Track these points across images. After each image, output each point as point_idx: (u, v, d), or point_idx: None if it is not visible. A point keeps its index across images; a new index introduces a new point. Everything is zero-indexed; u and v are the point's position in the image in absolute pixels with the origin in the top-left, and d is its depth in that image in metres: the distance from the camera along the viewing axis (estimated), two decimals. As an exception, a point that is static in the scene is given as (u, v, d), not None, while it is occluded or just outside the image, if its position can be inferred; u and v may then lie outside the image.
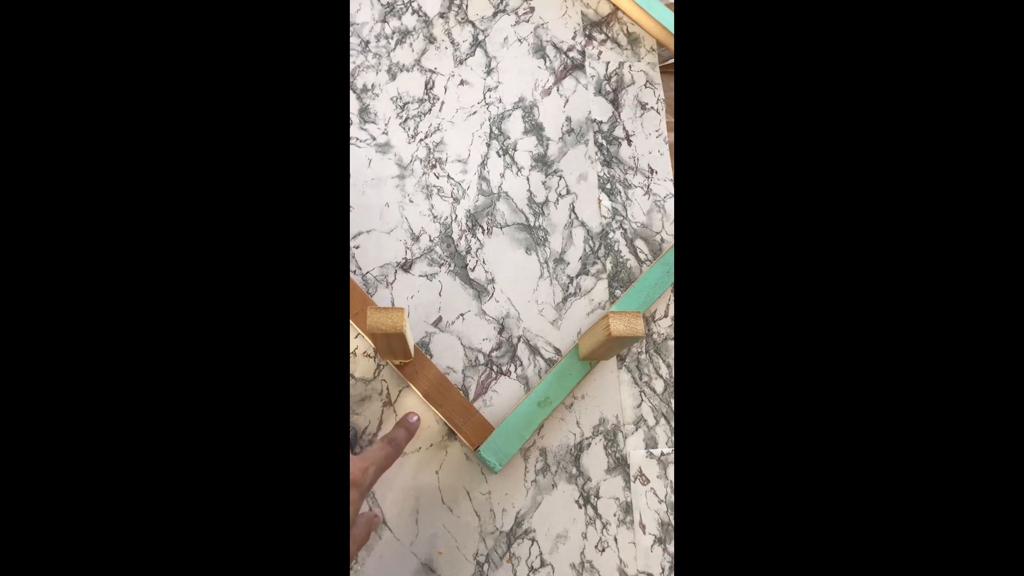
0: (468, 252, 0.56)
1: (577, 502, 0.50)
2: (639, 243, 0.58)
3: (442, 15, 0.65)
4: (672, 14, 0.65)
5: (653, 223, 0.59)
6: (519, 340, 0.54)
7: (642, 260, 0.58)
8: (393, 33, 0.63)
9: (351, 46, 0.62)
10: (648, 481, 0.51)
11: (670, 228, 0.59)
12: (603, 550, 0.49)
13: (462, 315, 0.54)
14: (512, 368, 0.53)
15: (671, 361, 0.55)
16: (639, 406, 0.53)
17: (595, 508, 0.50)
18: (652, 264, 0.57)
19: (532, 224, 0.58)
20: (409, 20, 0.64)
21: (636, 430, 0.52)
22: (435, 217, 0.57)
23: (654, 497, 0.51)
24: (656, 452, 0.52)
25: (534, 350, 0.54)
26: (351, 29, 0.63)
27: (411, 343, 0.47)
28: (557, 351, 0.54)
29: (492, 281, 0.55)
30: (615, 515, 0.50)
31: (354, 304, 0.51)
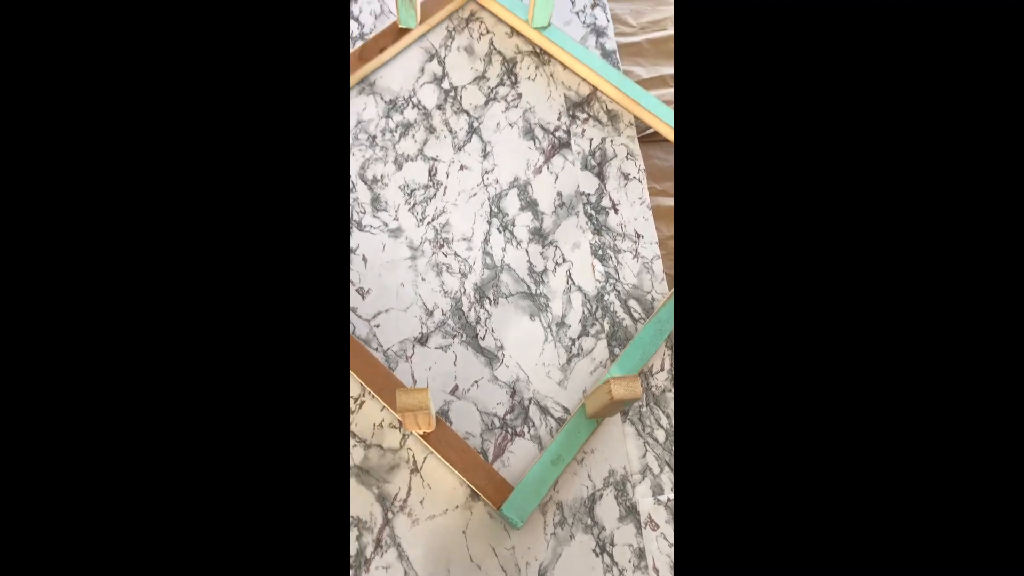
0: (478, 322, 0.62)
1: (594, 551, 0.54)
2: (632, 303, 0.64)
3: (439, 107, 0.72)
4: (645, 93, 0.72)
5: (643, 284, 0.65)
6: (530, 402, 0.59)
7: (636, 319, 0.63)
8: (397, 127, 0.70)
9: (360, 142, 0.69)
10: (657, 526, 0.55)
11: (660, 288, 0.65)
12: (621, 595, 0.53)
13: (476, 382, 0.59)
14: (525, 429, 0.58)
15: (670, 412, 0.60)
16: (644, 456, 0.58)
17: (611, 556, 0.54)
18: (646, 322, 0.62)
19: (534, 292, 0.64)
20: (410, 114, 0.71)
21: (643, 479, 0.57)
22: (446, 292, 0.63)
23: (664, 541, 0.55)
24: (663, 498, 0.56)
25: (544, 410, 0.59)
26: (359, 126, 0.70)
27: (433, 414, 0.51)
28: (565, 410, 0.59)
29: (501, 348, 0.61)
30: (630, 561, 0.54)
31: (377, 380, 0.56)
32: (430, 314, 0.62)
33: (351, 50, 0.73)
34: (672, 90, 0.77)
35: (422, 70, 0.74)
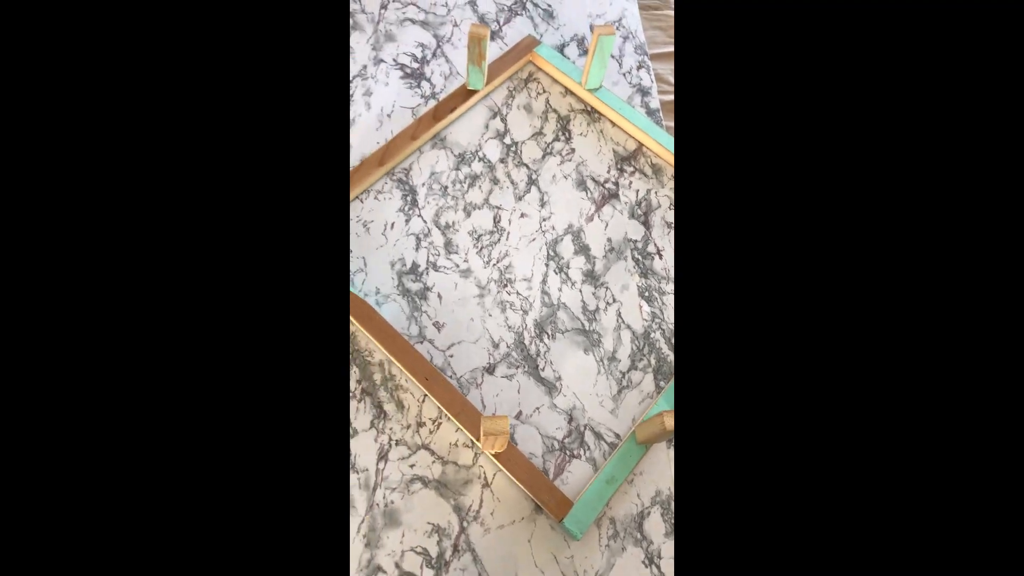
0: (538, 355, 0.70)
1: (643, 562, 0.61)
2: (675, 340, 0.72)
3: (502, 160, 0.81)
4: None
5: (685, 323, 0.73)
6: (585, 427, 0.66)
7: (679, 355, 0.71)
8: (465, 178, 0.79)
9: (434, 192, 0.78)
10: (700, 542, 0.62)
11: (700, 326, 0.73)
12: (667, 602, 0.60)
13: (537, 408, 0.67)
14: (582, 452, 0.65)
15: (710, 439, 0.67)
16: (687, 479, 0.65)
17: (659, 567, 0.61)
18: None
19: (587, 328, 0.71)
20: (476, 166, 0.80)
21: (686, 499, 0.64)
22: (509, 327, 0.71)
23: (706, 555, 0.62)
24: (704, 517, 0.63)
25: (598, 435, 0.66)
26: (433, 177, 0.79)
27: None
28: (616, 435, 0.66)
29: (559, 378, 0.69)
30: (675, 573, 0.61)
31: (454, 405, 0.64)
32: (496, 346, 0.70)
33: (425, 109, 0.82)
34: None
35: (486, 126, 0.83)
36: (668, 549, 0.62)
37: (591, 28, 0.92)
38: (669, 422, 0.54)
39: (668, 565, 0.61)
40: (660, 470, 0.65)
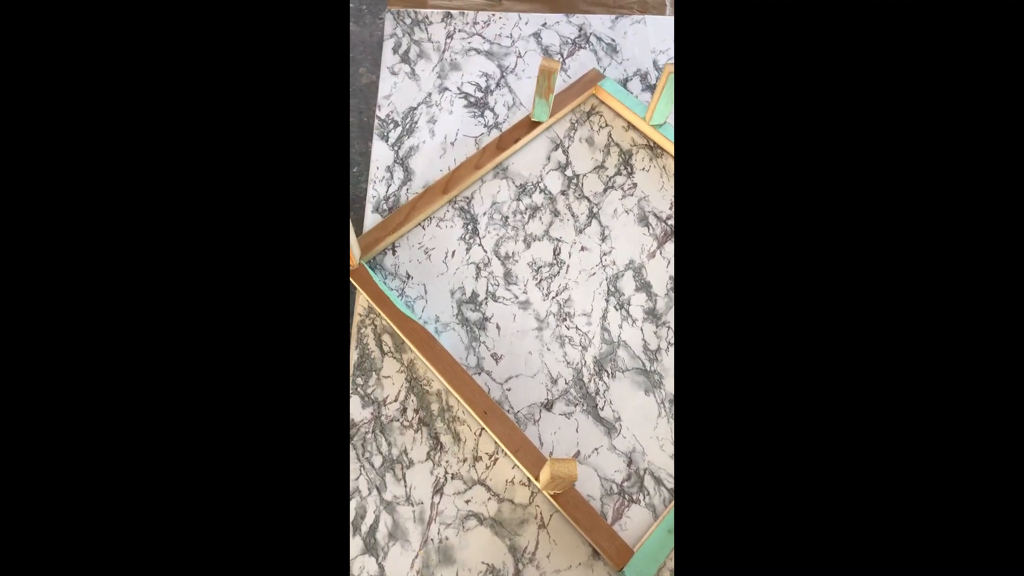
0: (597, 393, 0.68)
1: None
2: (739, 385, 0.70)
3: (563, 192, 0.80)
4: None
5: (749, 368, 0.71)
6: (645, 472, 0.64)
7: (742, 400, 0.69)
8: (526, 209, 0.79)
9: (495, 221, 0.77)
10: (765, 601, 0.59)
11: (764, 372, 0.70)
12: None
13: (596, 449, 0.65)
14: (641, 497, 0.63)
15: (775, 492, 0.64)
16: (751, 532, 0.62)
17: (720, 625, 0.58)
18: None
19: (648, 369, 0.70)
20: (537, 198, 0.80)
21: (750, 554, 0.61)
22: (568, 363, 0.70)
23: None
24: (769, 575, 0.60)
25: (658, 481, 0.64)
26: (494, 207, 0.79)
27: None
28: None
29: (619, 419, 0.67)
30: (738, 632, 0.58)
31: (513, 441, 0.63)
32: (555, 382, 0.68)
33: (487, 139, 0.83)
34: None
35: (548, 158, 0.83)
36: None
37: (654, 63, 0.92)
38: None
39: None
40: (723, 521, 0.62)
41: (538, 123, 0.82)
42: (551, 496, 0.61)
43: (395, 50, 0.91)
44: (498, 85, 0.88)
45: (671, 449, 0.66)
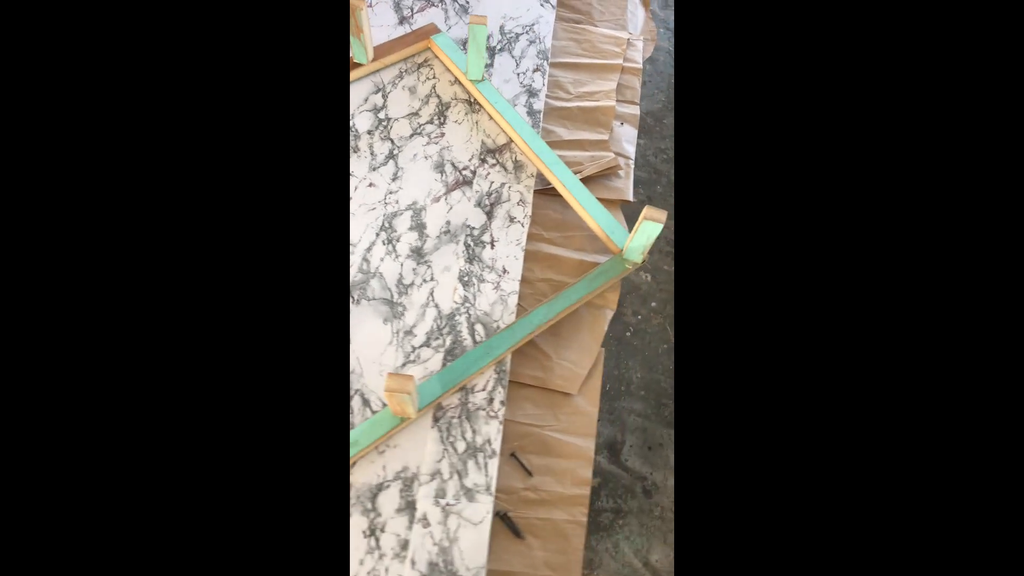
0: (337, 316, 0.70)
1: (364, 532, 0.59)
2: (478, 327, 0.70)
3: (369, 132, 0.82)
4: (551, 151, 0.80)
5: (495, 313, 0.71)
6: (356, 392, 0.66)
7: (477, 340, 0.70)
8: (326, 142, 0.81)
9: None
10: (428, 525, 0.60)
11: (508, 319, 0.71)
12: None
13: (316, 365, 0.67)
14: (352, 420, 0.64)
15: (478, 427, 0.65)
16: (439, 461, 0.63)
17: (378, 540, 0.59)
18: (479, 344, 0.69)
19: (394, 300, 0.71)
20: (342, 133, 0.82)
21: (431, 480, 0.62)
22: (319, 285, 0.71)
23: (429, 540, 0.59)
24: (442, 502, 0.61)
25: (366, 402, 0.65)
26: (295, 136, 0.81)
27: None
28: (385, 405, 0.65)
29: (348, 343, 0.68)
30: (391, 548, 0.59)
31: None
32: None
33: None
34: (586, 153, 0.85)
35: (366, 100, 0.85)
36: (395, 525, 0.60)
37: (500, 28, 0.94)
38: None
39: (389, 541, 0.59)
40: (415, 446, 0.63)
41: (359, 64, 0.85)
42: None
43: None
44: (340, 29, 0.91)
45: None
